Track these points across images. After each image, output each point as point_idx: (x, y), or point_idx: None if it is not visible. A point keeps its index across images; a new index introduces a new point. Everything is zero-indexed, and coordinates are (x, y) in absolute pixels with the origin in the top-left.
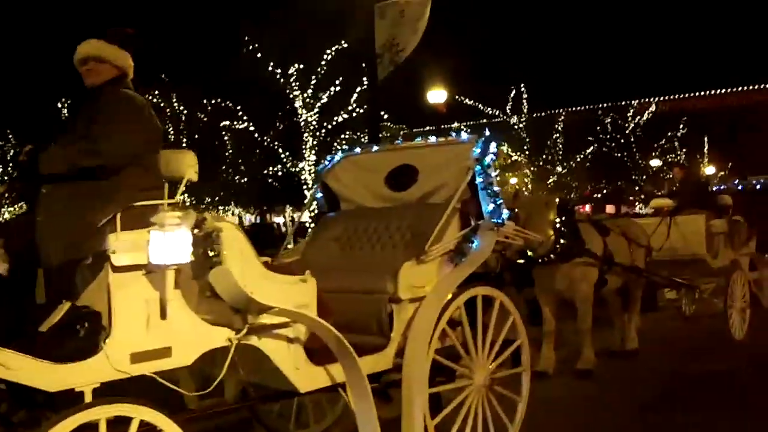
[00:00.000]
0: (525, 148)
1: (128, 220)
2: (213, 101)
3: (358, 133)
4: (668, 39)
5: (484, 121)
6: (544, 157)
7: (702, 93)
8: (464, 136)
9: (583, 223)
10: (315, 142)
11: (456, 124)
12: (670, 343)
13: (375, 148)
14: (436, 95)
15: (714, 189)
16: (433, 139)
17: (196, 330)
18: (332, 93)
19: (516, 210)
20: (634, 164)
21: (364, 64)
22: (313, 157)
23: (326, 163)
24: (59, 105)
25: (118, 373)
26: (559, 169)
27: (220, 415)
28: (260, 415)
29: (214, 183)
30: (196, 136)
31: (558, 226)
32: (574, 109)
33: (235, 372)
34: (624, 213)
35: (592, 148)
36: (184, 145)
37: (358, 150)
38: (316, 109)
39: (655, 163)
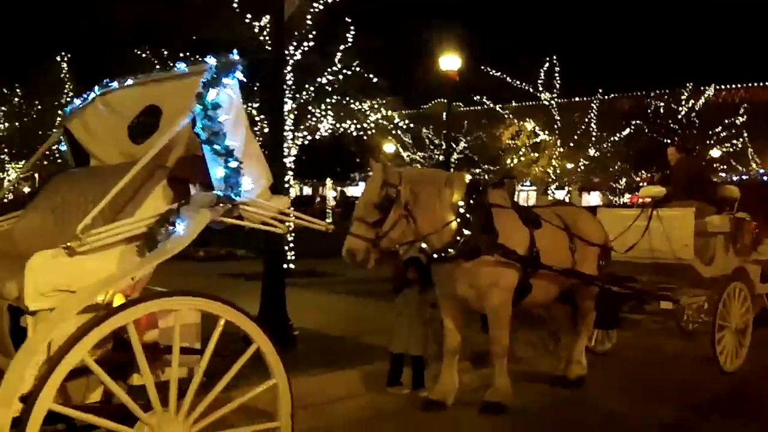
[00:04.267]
0: (555, 127)
1: None
2: (185, 59)
3: (348, 98)
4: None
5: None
6: (575, 138)
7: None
8: (210, 61)
9: (502, 210)
10: (294, 105)
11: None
12: (633, 373)
13: (130, 81)
14: (449, 62)
15: (733, 179)
16: (182, 66)
17: None
18: (306, 49)
19: (398, 188)
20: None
21: (347, 18)
22: (290, 122)
23: (77, 102)
24: (58, 58)
25: None
26: (592, 152)
27: None
28: None
29: None
30: None
31: (463, 211)
32: (612, 96)
33: None
34: None
35: (628, 130)
36: None
37: (115, 84)
38: (289, 67)
39: (716, 153)
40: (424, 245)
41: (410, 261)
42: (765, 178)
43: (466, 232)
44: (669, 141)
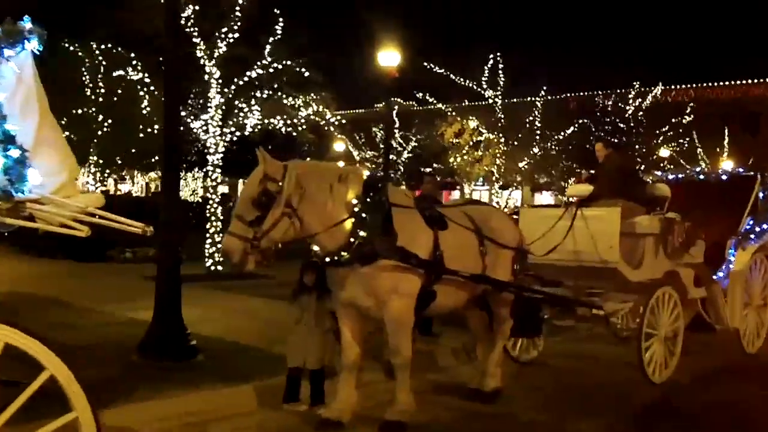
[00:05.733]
0: (499, 125)
1: None
2: (103, 47)
3: (279, 93)
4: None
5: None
6: (519, 136)
7: (724, 83)
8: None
9: (404, 210)
10: (222, 100)
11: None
12: (558, 382)
13: None
14: (388, 57)
15: (670, 177)
16: None
17: None
18: (231, 40)
19: (280, 182)
20: (633, 151)
21: (276, 9)
22: (218, 117)
23: None
24: None
25: None
26: (536, 150)
27: None
28: None
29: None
30: (119, 91)
31: (358, 210)
32: (560, 96)
33: None
34: None
35: (572, 129)
36: (101, 99)
37: None
38: (214, 60)
39: (665, 153)
40: (316, 247)
41: (308, 265)
42: (702, 176)
43: (362, 233)
44: (616, 140)
